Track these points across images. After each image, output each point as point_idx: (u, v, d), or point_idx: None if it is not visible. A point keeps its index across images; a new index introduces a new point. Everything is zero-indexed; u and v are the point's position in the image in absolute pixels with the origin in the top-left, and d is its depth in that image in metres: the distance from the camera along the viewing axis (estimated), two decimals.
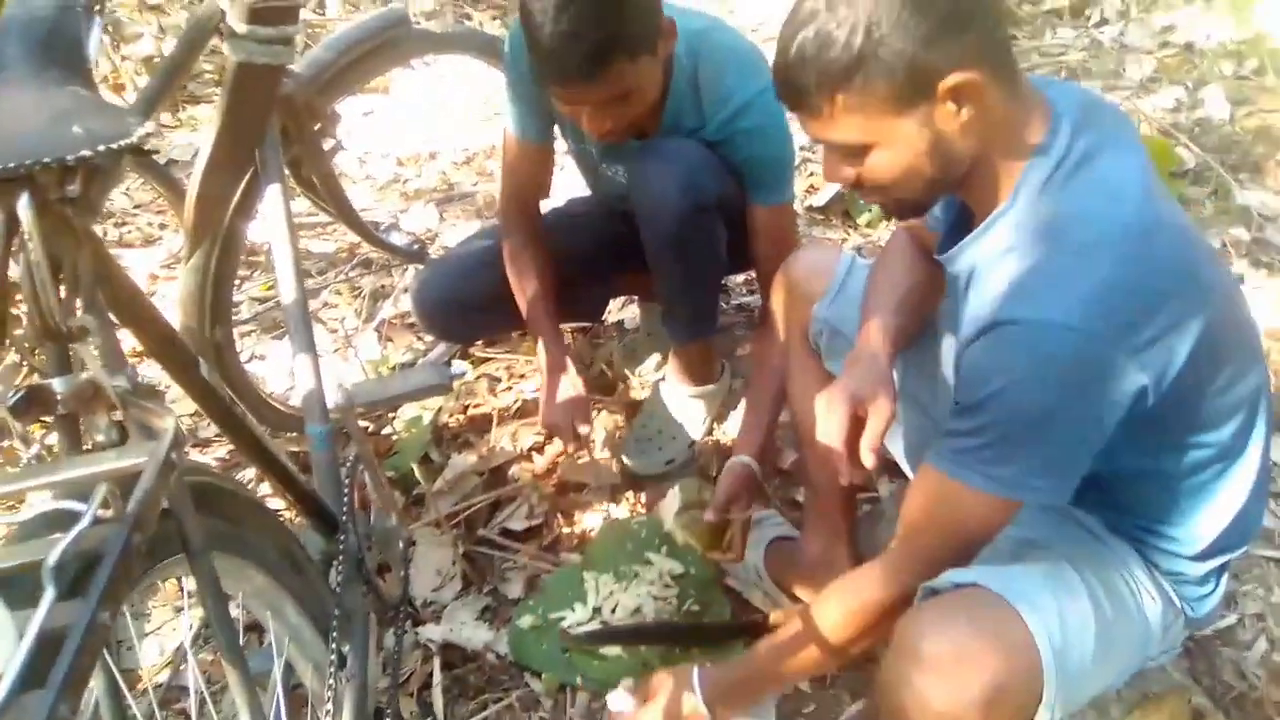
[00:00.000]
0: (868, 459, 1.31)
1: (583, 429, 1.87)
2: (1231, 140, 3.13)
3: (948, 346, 1.50)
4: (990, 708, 1.07)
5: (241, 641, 1.23)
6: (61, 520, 0.84)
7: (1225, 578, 1.33)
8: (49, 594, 0.70)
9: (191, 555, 1.00)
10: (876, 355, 1.38)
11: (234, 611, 1.25)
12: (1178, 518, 1.23)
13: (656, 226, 1.80)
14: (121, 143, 0.82)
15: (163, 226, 3.06)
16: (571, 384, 1.89)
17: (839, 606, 1.28)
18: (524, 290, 1.96)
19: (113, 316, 1.04)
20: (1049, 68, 3.60)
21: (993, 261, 1.13)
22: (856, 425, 1.34)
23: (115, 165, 0.85)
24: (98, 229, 1.08)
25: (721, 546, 1.75)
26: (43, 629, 0.69)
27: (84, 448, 1.00)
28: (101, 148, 0.81)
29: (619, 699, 1.51)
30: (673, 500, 1.84)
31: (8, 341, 0.96)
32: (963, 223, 1.24)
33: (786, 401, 1.75)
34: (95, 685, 1.03)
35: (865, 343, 1.41)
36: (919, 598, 1.19)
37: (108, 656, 1.01)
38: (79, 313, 0.94)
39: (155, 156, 3.17)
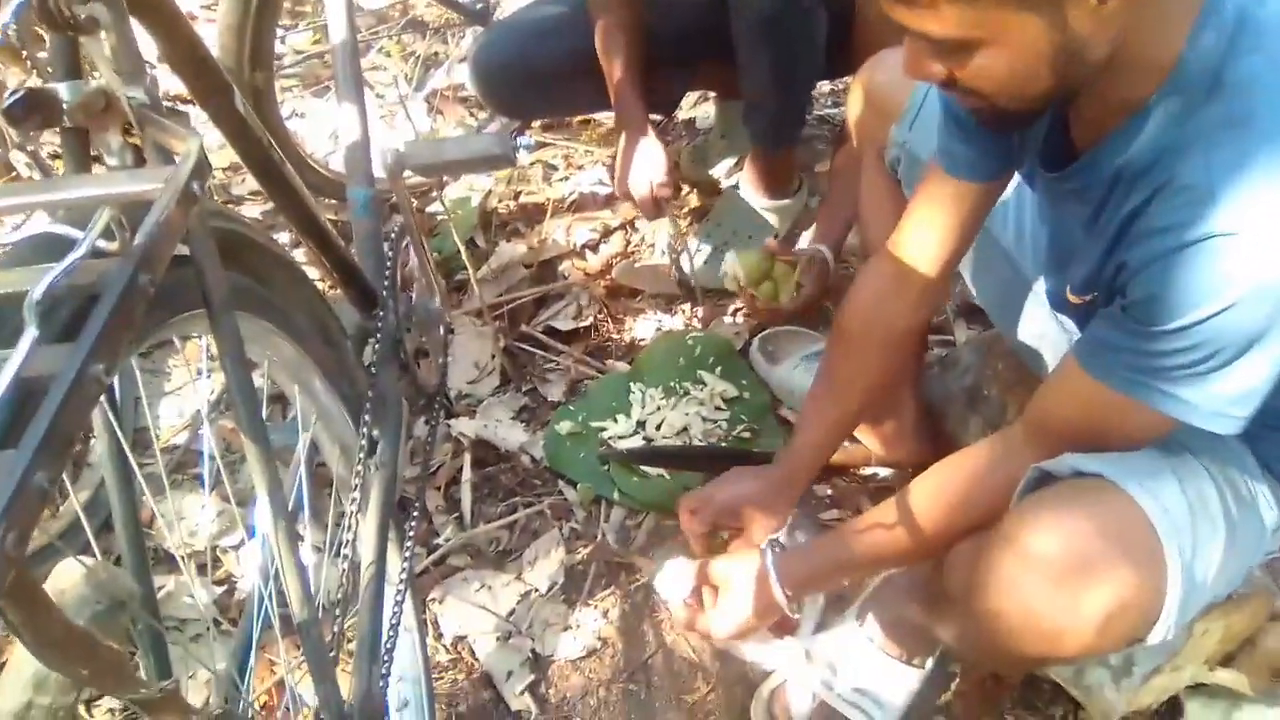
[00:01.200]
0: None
1: (662, 192, 1.72)
2: None
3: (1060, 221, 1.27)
4: (1107, 626, 0.94)
5: (265, 414, 1.11)
6: (57, 248, 0.70)
7: None
8: (30, 333, 0.56)
9: (212, 311, 0.86)
10: (787, 489, 1.37)
11: (257, 380, 1.14)
12: None
13: (749, 8, 1.59)
14: None
15: None
16: (653, 147, 1.73)
17: (944, 490, 1.14)
18: (610, 54, 1.78)
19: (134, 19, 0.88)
20: None
21: (1159, 159, 0.91)
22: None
23: None
24: None
25: (774, 293, 1.70)
26: (20, 376, 0.55)
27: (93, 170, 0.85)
28: None
29: (670, 580, 1.27)
30: (744, 257, 1.75)
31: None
32: (1058, 125, 1.02)
33: (859, 222, 1.57)
34: (98, 446, 0.92)
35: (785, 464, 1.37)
36: (1026, 480, 1.05)
37: (111, 416, 0.89)
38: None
39: None
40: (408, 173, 1.32)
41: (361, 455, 1.20)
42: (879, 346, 1.33)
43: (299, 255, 1.83)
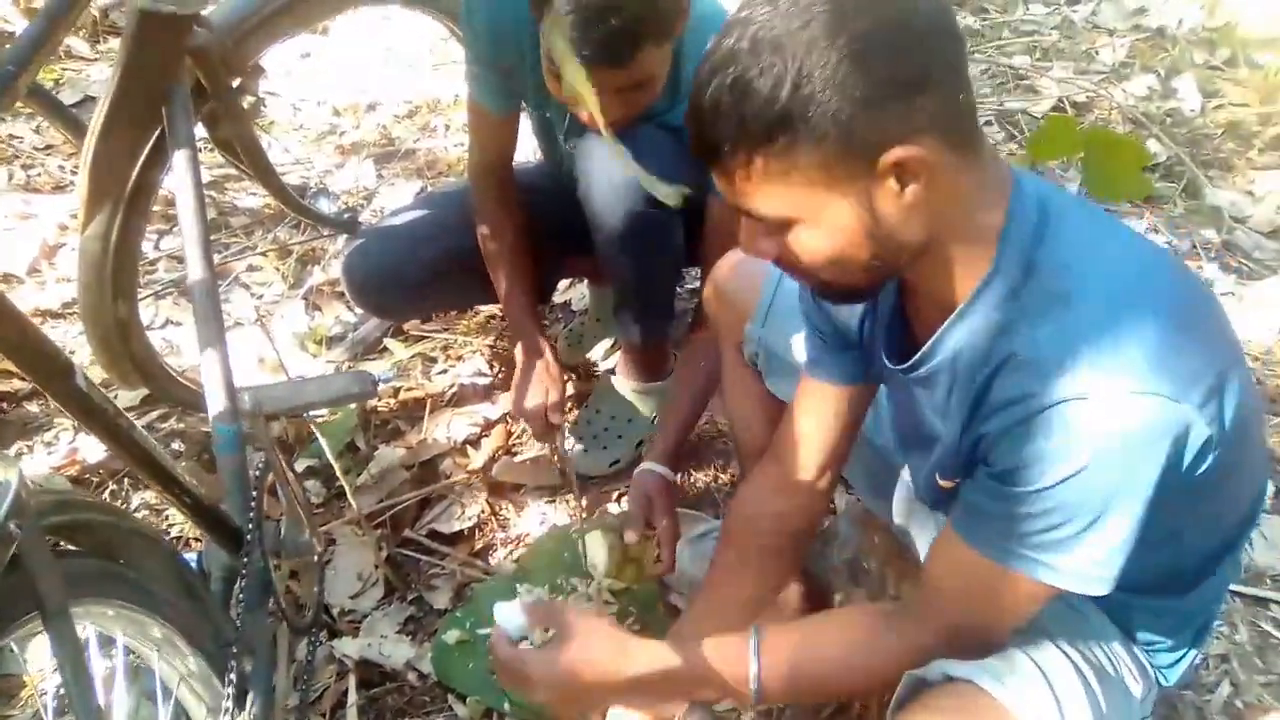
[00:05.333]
0: None
1: (554, 418, 1.74)
2: (1202, 134, 3.05)
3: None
4: None
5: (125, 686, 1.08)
6: None
7: (1203, 644, 1.24)
8: None
9: (47, 616, 0.84)
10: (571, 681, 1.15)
11: (115, 657, 1.10)
12: (1176, 587, 1.13)
13: (604, 221, 1.65)
14: None
15: (75, 171, 2.82)
16: (549, 369, 1.76)
17: (838, 648, 1.14)
18: (500, 268, 1.83)
19: None
20: (1020, 46, 3.48)
21: (984, 344, 0.98)
22: None
23: None
24: None
25: (651, 567, 1.65)
26: None
27: None
28: None
29: (508, 614, 1.18)
30: (597, 548, 1.70)
31: None
32: (897, 322, 1.10)
33: (725, 413, 1.62)
34: None
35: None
36: (904, 684, 1.08)
37: None
38: None
39: (65, 93, 2.93)
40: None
41: (228, 709, 1.16)
42: (770, 553, 1.35)
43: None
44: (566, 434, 1.93)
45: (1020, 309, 0.95)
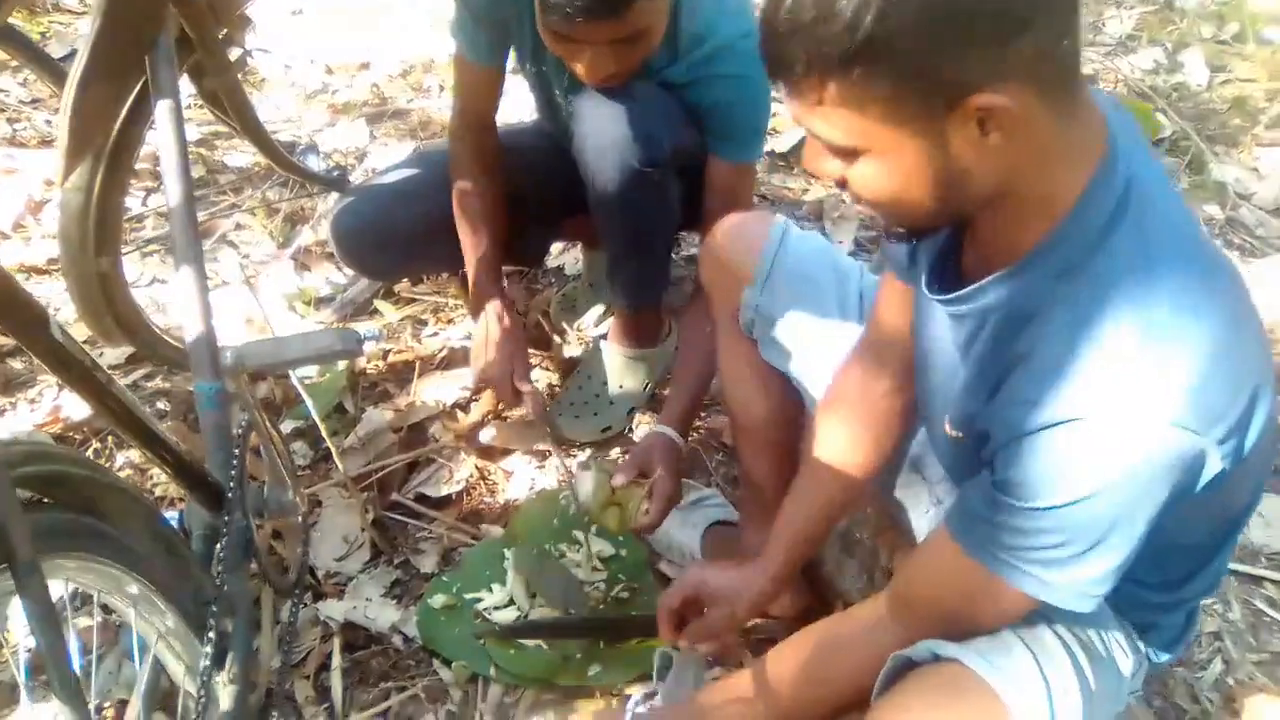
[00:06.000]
0: (680, 642, 1.37)
1: (522, 386, 1.70)
2: (1209, 109, 3.01)
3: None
4: None
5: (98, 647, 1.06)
6: None
7: (1195, 624, 1.23)
8: None
9: (16, 569, 0.82)
10: (758, 576, 1.34)
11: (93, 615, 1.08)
12: (1171, 573, 1.11)
13: (600, 179, 1.61)
14: None
15: None
16: (510, 334, 1.71)
17: (807, 663, 1.15)
18: (470, 228, 1.78)
19: None
20: None
21: (1027, 309, 0.93)
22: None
23: None
24: None
25: (635, 517, 1.59)
26: None
27: None
28: None
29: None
30: (586, 480, 1.64)
31: None
32: (948, 247, 1.05)
33: (720, 380, 1.59)
34: None
35: (765, 553, 1.36)
36: (887, 668, 1.06)
37: None
38: None
39: (52, 46, 2.87)
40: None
41: (204, 675, 1.14)
42: (869, 417, 1.31)
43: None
44: (546, 397, 1.90)
45: (1062, 295, 0.90)
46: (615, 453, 1.92)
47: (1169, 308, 0.86)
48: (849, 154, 0.89)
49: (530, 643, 1.57)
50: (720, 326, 1.51)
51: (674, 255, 2.23)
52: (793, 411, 1.50)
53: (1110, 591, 1.03)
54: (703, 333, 1.61)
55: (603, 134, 1.56)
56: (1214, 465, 0.88)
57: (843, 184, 0.93)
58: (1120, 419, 0.85)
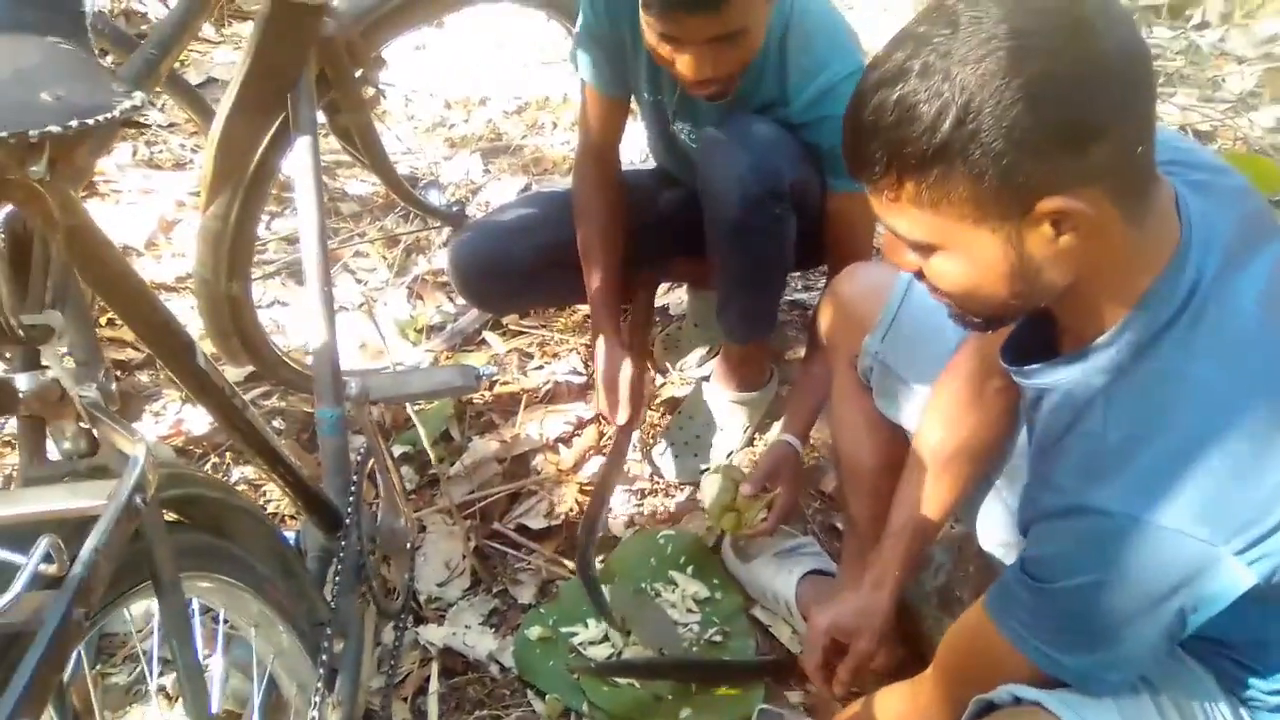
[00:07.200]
0: (838, 689, 1.37)
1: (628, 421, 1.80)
2: None
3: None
4: None
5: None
6: None
7: None
8: None
9: (160, 589, 0.86)
10: (877, 594, 1.37)
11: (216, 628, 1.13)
12: (1273, 664, 1.07)
13: (721, 208, 1.64)
14: (101, 118, 0.66)
15: (195, 149, 2.91)
16: (630, 369, 1.79)
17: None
18: (591, 260, 1.84)
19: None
20: None
21: (1078, 398, 0.96)
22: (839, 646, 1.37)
23: (97, 139, 0.70)
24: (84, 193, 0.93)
25: (750, 523, 1.68)
26: None
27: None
28: (74, 123, 0.65)
29: None
30: (712, 484, 1.73)
31: None
32: (1034, 323, 1.05)
33: (830, 428, 1.59)
34: None
35: (873, 569, 1.38)
36: (972, 707, 1.06)
37: None
38: (48, 303, 0.79)
39: (190, 74, 3.02)
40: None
41: (318, 696, 1.18)
42: (978, 400, 1.30)
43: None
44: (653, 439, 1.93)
45: (1106, 392, 0.94)
46: (738, 458, 1.95)
47: (1196, 418, 0.87)
48: (926, 249, 0.92)
49: (623, 681, 1.58)
50: (836, 372, 1.52)
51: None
52: (901, 461, 1.49)
53: (1218, 671, 1.03)
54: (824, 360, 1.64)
55: (728, 164, 1.59)
56: (1238, 576, 0.87)
57: (920, 275, 0.97)
58: (1130, 520, 0.87)
